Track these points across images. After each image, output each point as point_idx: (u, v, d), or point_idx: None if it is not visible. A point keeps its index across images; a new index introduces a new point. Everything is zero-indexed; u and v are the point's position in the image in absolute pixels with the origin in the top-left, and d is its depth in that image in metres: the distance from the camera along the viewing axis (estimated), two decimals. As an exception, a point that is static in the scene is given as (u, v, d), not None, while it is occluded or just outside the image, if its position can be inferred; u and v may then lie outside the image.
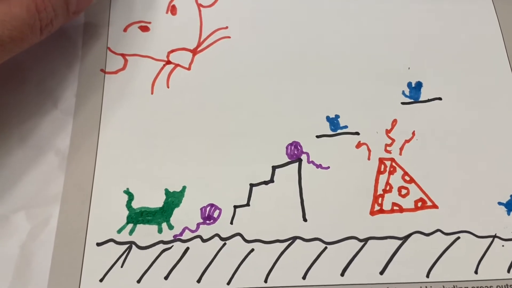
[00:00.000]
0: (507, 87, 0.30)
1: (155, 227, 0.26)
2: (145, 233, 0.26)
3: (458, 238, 0.26)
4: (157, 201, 0.27)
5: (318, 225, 0.26)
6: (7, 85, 0.29)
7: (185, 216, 0.26)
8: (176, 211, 0.26)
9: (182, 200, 0.27)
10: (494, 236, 0.26)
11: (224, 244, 0.26)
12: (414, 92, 0.30)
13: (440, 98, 0.30)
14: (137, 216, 0.26)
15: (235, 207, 0.27)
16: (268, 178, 0.28)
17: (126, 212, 0.26)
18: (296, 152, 0.28)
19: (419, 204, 0.27)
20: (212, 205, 0.27)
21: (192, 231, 0.26)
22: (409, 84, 0.30)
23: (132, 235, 0.26)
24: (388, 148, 0.29)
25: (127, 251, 0.25)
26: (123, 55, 0.31)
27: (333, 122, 0.29)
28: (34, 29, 0.24)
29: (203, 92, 0.30)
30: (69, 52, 0.30)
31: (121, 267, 0.25)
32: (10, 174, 0.27)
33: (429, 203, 0.27)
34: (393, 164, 0.28)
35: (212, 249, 0.26)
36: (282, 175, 0.28)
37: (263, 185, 0.27)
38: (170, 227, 0.26)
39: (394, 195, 0.27)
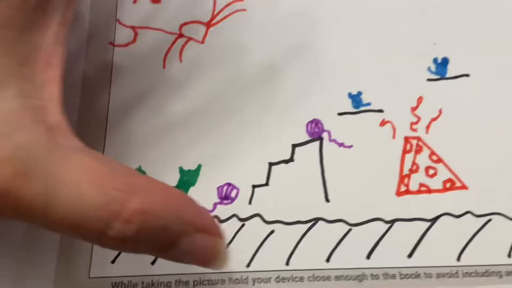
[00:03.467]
0: (538, 64, 0.29)
1: (169, 207, 0.24)
2: (159, 213, 0.24)
3: (490, 220, 0.25)
4: (171, 180, 0.25)
5: (341, 206, 0.25)
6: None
7: (201, 195, 0.24)
8: (192, 190, 0.25)
9: (198, 179, 0.25)
10: (527, 219, 0.25)
11: (243, 225, 0.24)
12: (440, 68, 0.29)
13: (467, 75, 0.29)
14: (150, 195, 0.24)
15: (254, 186, 0.25)
16: (288, 157, 0.26)
17: (139, 191, 0.25)
18: (316, 130, 0.27)
19: (448, 184, 0.26)
20: (229, 184, 0.25)
21: (209, 211, 0.24)
22: (435, 60, 0.29)
23: (145, 214, 0.24)
24: (414, 127, 0.27)
25: (140, 232, 0.24)
26: (133, 27, 0.29)
27: (356, 99, 0.28)
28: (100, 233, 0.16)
29: (218, 67, 0.28)
30: (76, 24, 0.29)
31: (134, 248, 0.23)
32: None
33: (458, 184, 0.26)
34: (419, 143, 0.27)
35: (230, 230, 0.24)
36: (302, 154, 0.26)
37: (283, 164, 0.26)
38: (186, 206, 0.24)
39: (421, 175, 0.26)
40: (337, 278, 0.23)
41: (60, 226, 0.16)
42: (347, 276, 0.23)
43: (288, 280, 0.23)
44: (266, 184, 0.25)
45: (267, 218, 0.24)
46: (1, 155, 0.15)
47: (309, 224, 0.24)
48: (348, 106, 0.28)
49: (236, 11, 0.30)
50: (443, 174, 0.26)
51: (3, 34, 0.16)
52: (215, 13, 0.30)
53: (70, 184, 0.15)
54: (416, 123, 0.27)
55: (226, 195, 0.25)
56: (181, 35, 0.29)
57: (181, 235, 0.16)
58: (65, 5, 0.18)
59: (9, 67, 0.16)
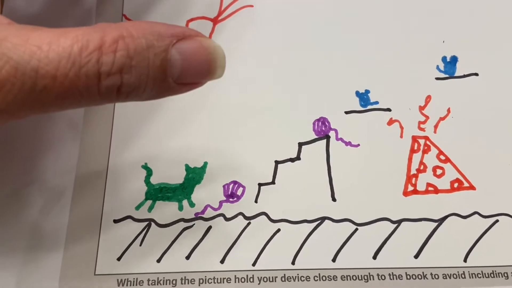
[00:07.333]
0: (548, 64, 0.29)
1: (175, 204, 0.24)
2: (165, 210, 0.24)
3: (497, 221, 0.25)
4: (177, 177, 0.25)
5: (348, 206, 0.25)
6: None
7: (206, 193, 0.25)
8: (197, 188, 0.25)
9: (204, 176, 0.25)
10: (535, 220, 0.25)
11: (249, 223, 0.24)
12: (449, 67, 0.28)
13: (476, 74, 0.28)
14: (156, 193, 0.24)
15: (260, 185, 0.25)
16: (294, 155, 0.26)
17: (145, 188, 0.24)
18: (323, 129, 0.27)
19: (455, 185, 0.26)
20: (235, 182, 0.25)
21: (215, 209, 0.24)
22: (444, 59, 0.29)
23: (151, 212, 0.24)
24: (421, 126, 0.27)
25: (146, 229, 0.24)
26: (139, 23, 0.29)
27: (363, 97, 0.28)
28: (85, 74, 0.15)
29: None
30: (83, 19, 0.29)
31: (140, 245, 0.23)
32: (22, 148, 0.25)
33: (465, 184, 0.26)
34: (427, 142, 0.27)
35: (236, 228, 0.24)
36: (309, 153, 0.26)
37: (289, 163, 0.26)
38: (191, 204, 0.24)
39: (428, 175, 0.26)
40: (343, 278, 0.23)
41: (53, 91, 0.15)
42: (353, 276, 0.23)
43: (294, 280, 0.23)
44: (273, 182, 0.25)
45: (273, 217, 0.24)
46: None
47: (315, 223, 0.24)
48: (356, 105, 0.27)
49: (243, 7, 0.30)
50: (450, 174, 0.26)
51: None
52: (222, 9, 0.30)
53: (43, 49, 0.15)
54: (424, 122, 0.27)
55: (232, 193, 0.25)
56: (187, 31, 0.29)
57: (167, 47, 0.16)
58: None
59: None
